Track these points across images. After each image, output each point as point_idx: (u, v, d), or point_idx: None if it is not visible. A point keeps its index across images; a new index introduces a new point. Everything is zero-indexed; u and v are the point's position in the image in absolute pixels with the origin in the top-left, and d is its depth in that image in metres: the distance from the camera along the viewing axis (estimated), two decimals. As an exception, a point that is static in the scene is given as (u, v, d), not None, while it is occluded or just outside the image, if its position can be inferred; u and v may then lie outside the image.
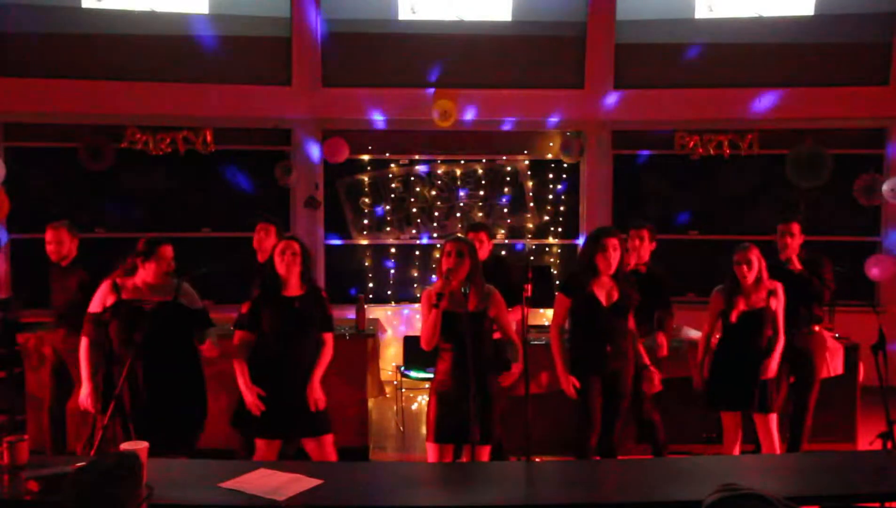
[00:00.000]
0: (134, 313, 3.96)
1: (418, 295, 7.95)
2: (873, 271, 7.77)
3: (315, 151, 8.18)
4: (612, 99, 8.20)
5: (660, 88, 8.18)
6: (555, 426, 4.93)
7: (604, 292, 4.31)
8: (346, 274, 8.32)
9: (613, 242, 4.28)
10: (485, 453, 3.85)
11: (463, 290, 3.78)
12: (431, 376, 4.07)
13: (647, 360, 4.56)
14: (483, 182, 8.41)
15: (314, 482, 2.95)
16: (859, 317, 5.60)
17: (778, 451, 4.55)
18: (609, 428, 4.36)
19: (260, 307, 4.08)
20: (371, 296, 8.29)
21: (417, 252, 8.43)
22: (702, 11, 8.22)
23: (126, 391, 3.88)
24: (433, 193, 8.41)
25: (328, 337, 4.18)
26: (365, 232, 8.39)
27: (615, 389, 4.35)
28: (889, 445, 4.29)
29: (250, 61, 8.17)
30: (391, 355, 7.78)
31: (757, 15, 8.17)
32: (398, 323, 8.29)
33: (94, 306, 4.09)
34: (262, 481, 2.96)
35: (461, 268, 3.84)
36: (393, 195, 8.38)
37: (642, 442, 5.06)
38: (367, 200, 8.35)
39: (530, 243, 8.45)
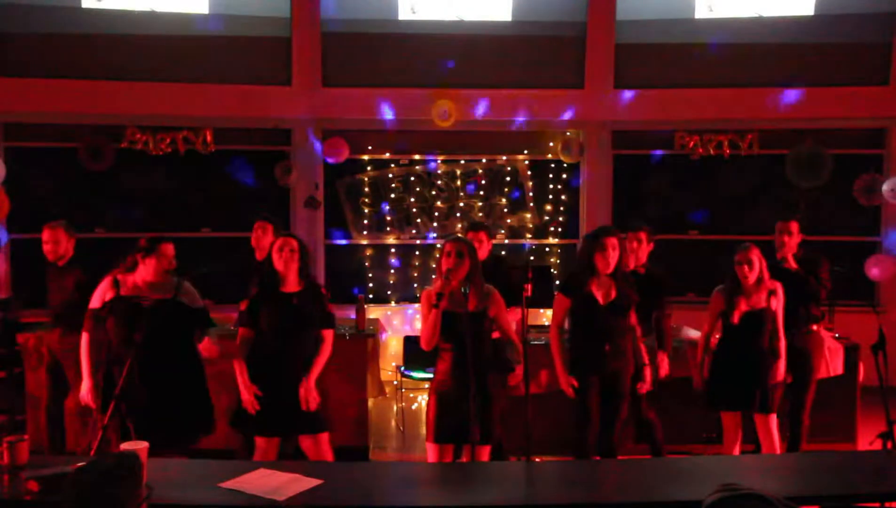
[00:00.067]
0: (132, 310, 3.97)
1: (418, 295, 7.96)
2: (873, 271, 7.77)
3: (315, 151, 8.18)
4: (611, 99, 8.20)
5: (660, 88, 8.18)
6: (555, 426, 4.93)
7: (602, 291, 4.31)
8: (346, 274, 8.31)
9: (612, 241, 4.28)
10: (485, 453, 3.85)
11: (463, 290, 3.78)
12: (431, 376, 4.07)
13: (646, 359, 4.56)
14: (483, 182, 8.41)
15: (314, 482, 2.95)
16: (859, 317, 5.60)
17: (778, 451, 4.55)
18: (609, 428, 4.36)
19: (258, 304, 4.08)
20: (371, 296, 8.29)
21: (417, 252, 8.44)
22: (702, 11, 8.22)
23: (126, 391, 3.88)
24: (433, 193, 8.41)
25: (328, 334, 4.18)
26: (365, 232, 8.39)
27: (614, 388, 4.35)
28: (889, 445, 4.29)
29: (250, 61, 8.17)
30: (391, 355, 7.79)
31: (757, 15, 8.17)
32: (398, 323, 8.29)
33: (95, 302, 4.12)
34: (262, 481, 2.96)
35: (461, 268, 3.84)
36: (393, 195, 8.38)
37: (641, 442, 5.07)
38: (367, 200, 8.36)
39: (530, 242, 8.45)
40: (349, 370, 5.49)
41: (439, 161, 8.40)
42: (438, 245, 8.07)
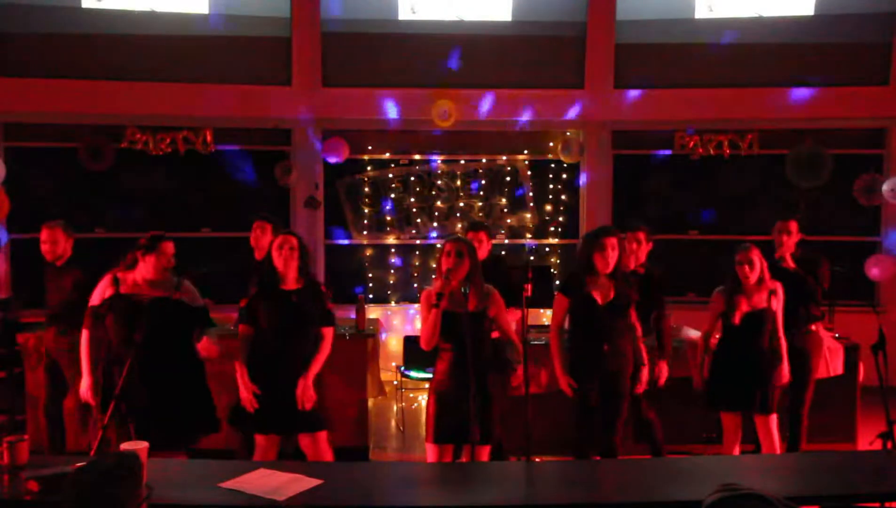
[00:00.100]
0: (131, 308, 3.97)
1: (418, 295, 7.96)
2: (873, 271, 7.77)
3: (315, 151, 8.18)
4: (612, 99, 8.20)
5: (660, 88, 8.18)
6: (555, 426, 4.93)
7: (600, 291, 4.29)
8: (346, 274, 8.32)
9: (612, 241, 4.27)
10: (484, 453, 3.85)
11: (463, 290, 3.78)
12: (431, 376, 4.07)
13: (644, 359, 4.55)
14: (483, 182, 8.41)
15: (314, 482, 2.95)
16: (859, 317, 5.60)
17: (778, 451, 4.55)
18: (610, 428, 4.34)
19: (257, 302, 4.09)
20: (371, 296, 8.29)
21: (417, 252, 8.44)
22: (702, 11, 8.22)
23: (126, 391, 3.88)
24: (433, 193, 8.41)
25: (328, 332, 4.18)
26: (365, 232, 8.39)
27: (614, 388, 4.34)
28: (889, 445, 4.28)
29: (250, 61, 8.17)
30: (391, 355, 7.79)
31: (757, 15, 8.17)
32: (398, 323, 8.30)
33: (95, 299, 4.13)
34: (262, 481, 2.96)
35: (461, 268, 3.84)
36: (393, 195, 8.38)
37: (640, 442, 5.06)
38: (367, 200, 8.36)
39: (531, 242, 8.45)
40: (349, 370, 5.49)
41: (439, 161, 8.40)
42: (438, 245, 8.07)
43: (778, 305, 4.55)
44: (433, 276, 4.74)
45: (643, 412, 4.89)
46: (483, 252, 4.90)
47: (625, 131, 8.34)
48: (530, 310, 4.02)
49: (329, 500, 2.84)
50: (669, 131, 8.26)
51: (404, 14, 8.22)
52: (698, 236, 8.37)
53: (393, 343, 7.96)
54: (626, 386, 4.39)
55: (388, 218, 8.39)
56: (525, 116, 8.19)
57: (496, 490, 3.03)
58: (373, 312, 7.57)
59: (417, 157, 8.39)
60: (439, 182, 8.40)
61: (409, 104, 8.08)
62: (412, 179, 8.40)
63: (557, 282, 7.60)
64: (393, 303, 8.39)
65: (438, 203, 8.42)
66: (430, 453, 3.91)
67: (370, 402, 5.85)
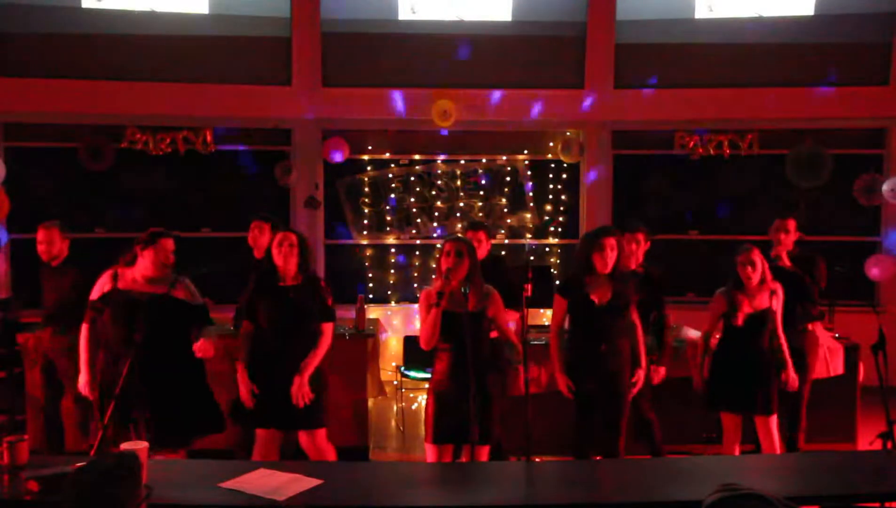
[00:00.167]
0: (128, 304, 3.97)
1: (418, 295, 7.96)
2: (873, 271, 7.77)
3: (315, 151, 8.18)
4: (612, 99, 8.20)
5: (660, 88, 8.18)
6: (555, 426, 4.92)
7: (599, 291, 4.28)
8: (346, 274, 8.31)
9: (611, 241, 4.26)
10: (484, 453, 3.85)
11: (463, 290, 3.78)
12: (431, 376, 4.06)
13: (642, 359, 4.53)
14: (483, 182, 8.41)
15: (314, 482, 2.95)
16: (859, 317, 5.59)
17: (778, 452, 4.55)
18: (615, 429, 4.31)
19: (256, 298, 4.09)
20: (371, 296, 8.29)
21: (417, 252, 8.44)
22: (702, 11, 8.22)
23: (126, 390, 3.87)
24: (433, 193, 8.41)
25: (327, 327, 4.18)
26: (365, 232, 8.39)
27: (614, 388, 4.33)
28: (889, 445, 4.28)
29: (250, 61, 8.17)
30: (391, 355, 7.78)
31: (757, 15, 8.17)
32: (398, 323, 8.29)
33: (94, 294, 4.14)
34: (262, 481, 2.96)
35: (460, 268, 3.84)
36: (393, 195, 8.38)
37: (639, 441, 5.06)
38: (367, 200, 8.36)
39: (531, 242, 8.45)
40: (349, 370, 5.49)
41: (439, 161, 8.40)
42: (438, 245, 8.07)
43: (778, 305, 4.54)
44: (433, 276, 4.74)
45: (643, 413, 4.89)
46: (482, 252, 4.90)
47: (625, 131, 8.34)
48: (530, 310, 4.01)
49: (329, 500, 2.84)
50: (669, 131, 8.26)
51: (404, 14, 8.22)
52: (698, 236, 8.37)
53: (393, 343, 7.96)
54: (625, 386, 4.38)
55: (389, 218, 8.39)
56: (525, 116, 8.19)
57: (496, 490, 3.03)
58: (373, 312, 7.57)
59: (417, 157, 8.39)
60: (439, 182, 8.40)
61: (410, 104, 8.08)
62: (412, 179, 8.40)
63: (557, 282, 7.60)
64: (393, 303, 8.39)
65: (438, 203, 8.42)
66: (429, 453, 3.91)
67: (370, 402, 5.85)
